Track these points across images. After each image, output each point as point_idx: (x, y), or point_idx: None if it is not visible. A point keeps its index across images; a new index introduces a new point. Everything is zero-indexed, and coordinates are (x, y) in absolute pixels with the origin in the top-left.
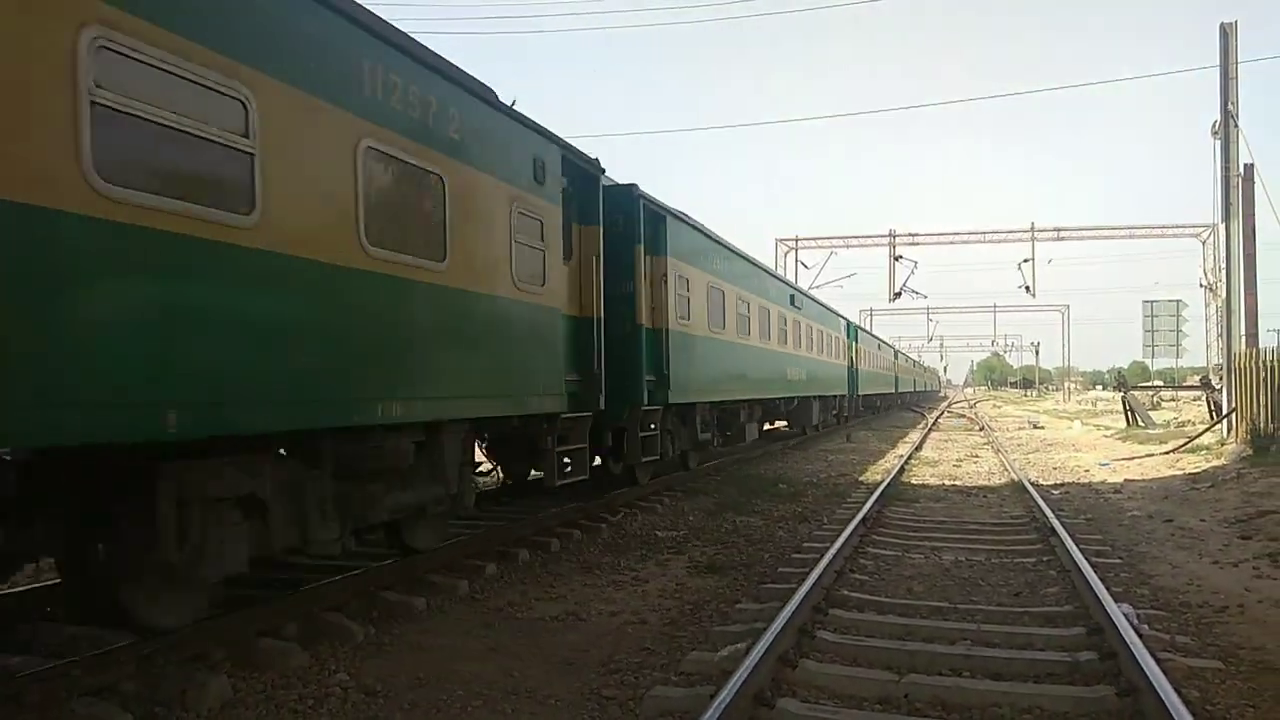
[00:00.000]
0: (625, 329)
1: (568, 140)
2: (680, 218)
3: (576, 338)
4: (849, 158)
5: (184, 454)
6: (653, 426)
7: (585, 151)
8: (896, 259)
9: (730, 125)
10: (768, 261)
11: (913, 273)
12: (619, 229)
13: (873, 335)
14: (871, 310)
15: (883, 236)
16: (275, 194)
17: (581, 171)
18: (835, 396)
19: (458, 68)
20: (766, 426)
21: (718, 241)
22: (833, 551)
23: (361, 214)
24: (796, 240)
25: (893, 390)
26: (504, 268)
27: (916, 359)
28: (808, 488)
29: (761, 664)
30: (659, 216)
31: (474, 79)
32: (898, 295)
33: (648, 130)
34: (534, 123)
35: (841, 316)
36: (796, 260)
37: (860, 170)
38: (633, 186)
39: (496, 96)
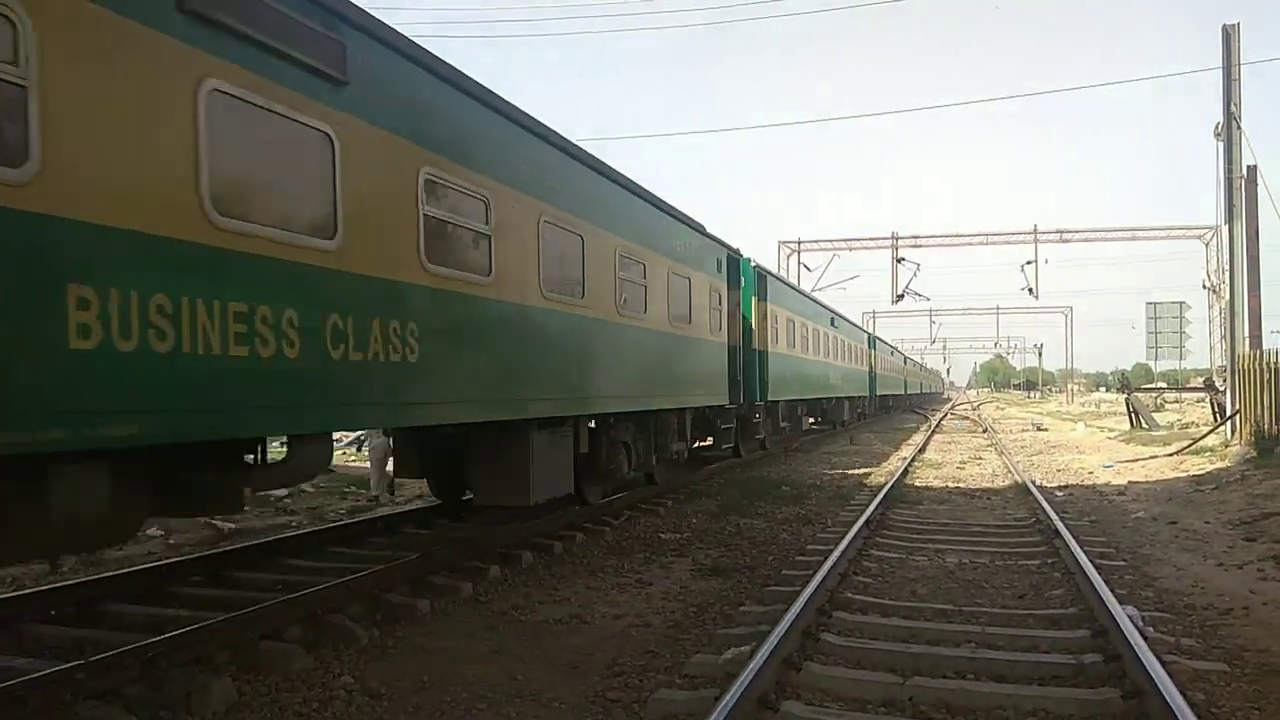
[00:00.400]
0: (748, 352)
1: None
2: (774, 275)
3: (731, 358)
4: (852, 159)
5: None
6: (757, 417)
7: (723, 239)
8: (899, 261)
9: (736, 128)
10: (768, 264)
11: (915, 275)
12: (743, 284)
13: (887, 343)
14: (874, 312)
15: (885, 239)
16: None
17: (730, 255)
18: (860, 397)
19: (694, 220)
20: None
21: (791, 286)
22: (836, 554)
23: (668, 301)
24: (799, 242)
25: (902, 391)
26: (708, 321)
27: (920, 361)
28: (811, 490)
29: (766, 667)
30: (763, 276)
31: (695, 220)
32: (900, 298)
33: (658, 134)
34: (715, 236)
35: (864, 330)
36: (799, 262)
37: (863, 171)
38: (749, 259)
39: (704, 227)
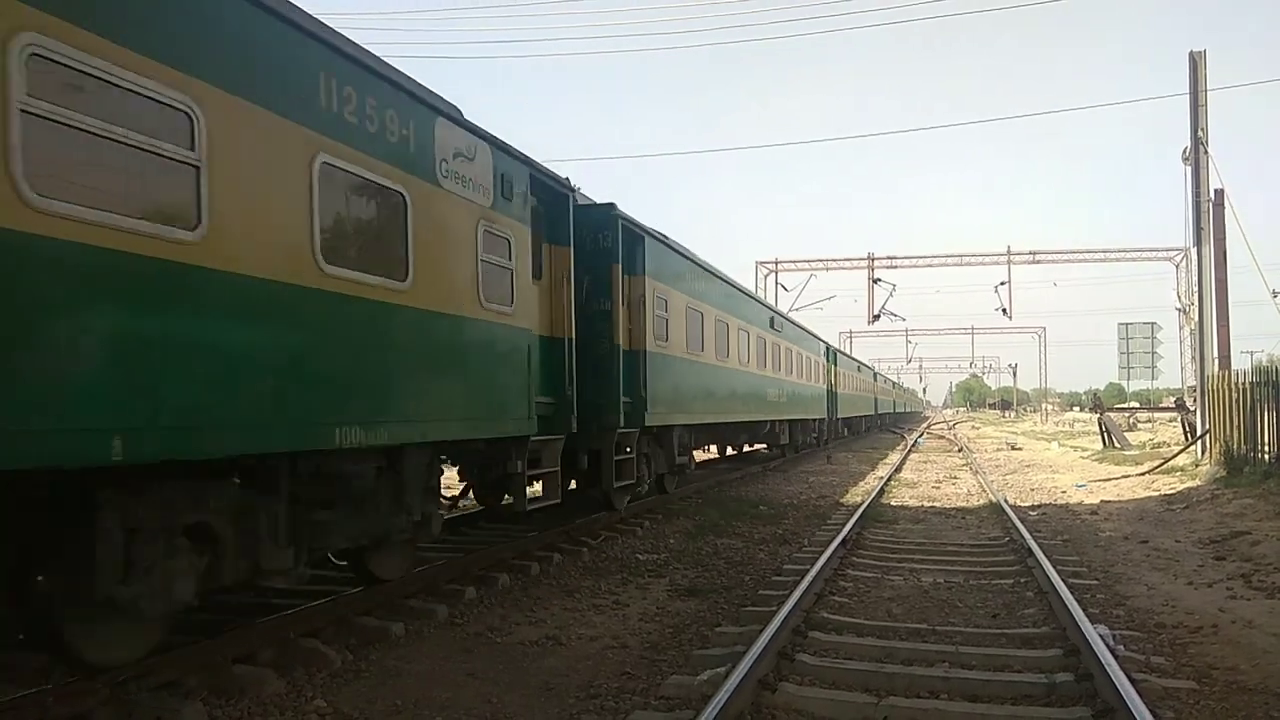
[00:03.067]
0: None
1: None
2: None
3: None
4: (830, 181)
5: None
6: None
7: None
8: (875, 282)
9: (725, 149)
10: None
11: (891, 295)
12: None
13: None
14: (851, 332)
15: (861, 259)
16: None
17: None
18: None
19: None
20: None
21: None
22: (812, 574)
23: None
24: (776, 263)
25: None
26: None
27: (896, 380)
28: (788, 509)
29: (741, 687)
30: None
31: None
32: (876, 318)
33: (638, 155)
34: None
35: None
36: (776, 283)
37: (840, 194)
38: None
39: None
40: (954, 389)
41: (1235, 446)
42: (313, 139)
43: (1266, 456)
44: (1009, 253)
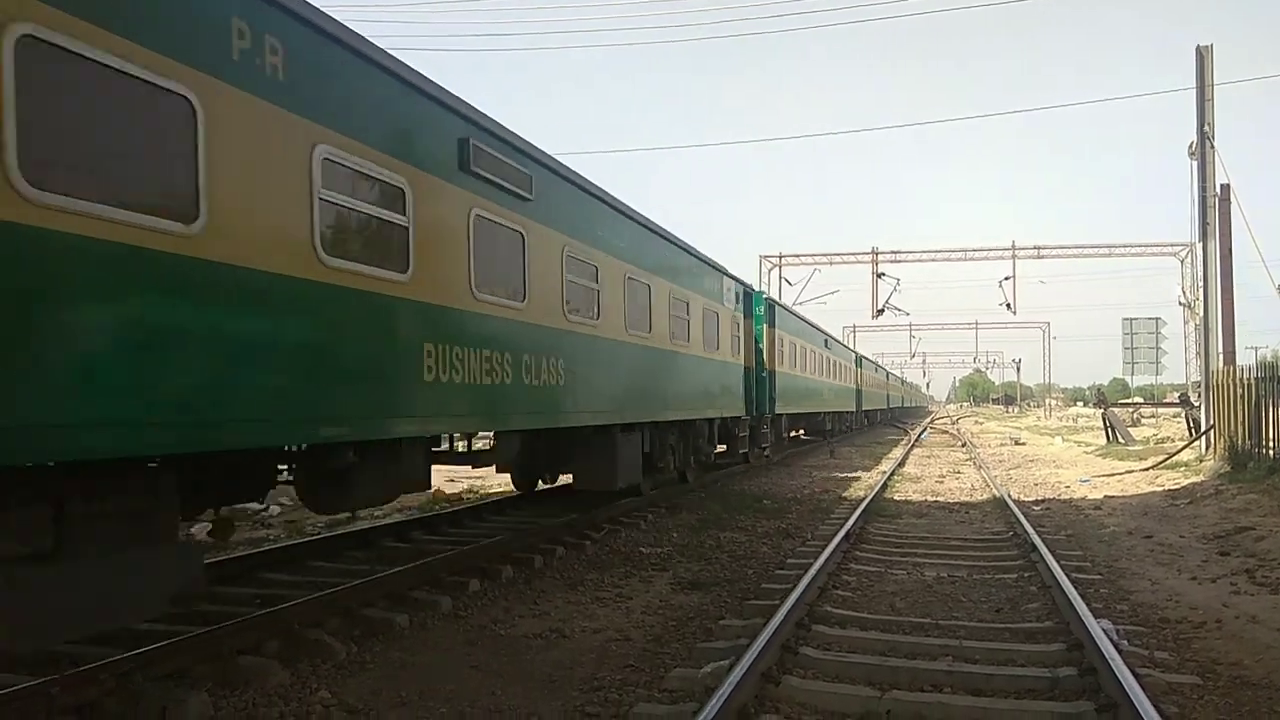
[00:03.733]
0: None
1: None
2: (784, 306)
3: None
4: (835, 175)
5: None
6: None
7: (737, 274)
8: (879, 276)
9: (727, 142)
10: (749, 278)
11: (895, 289)
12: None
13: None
14: (855, 327)
15: (865, 254)
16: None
17: (745, 290)
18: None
19: (720, 265)
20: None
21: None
22: (816, 568)
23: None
24: (780, 257)
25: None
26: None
27: (902, 377)
28: (791, 504)
29: (745, 681)
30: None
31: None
32: (880, 312)
33: (647, 147)
34: (735, 275)
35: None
36: (780, 276)
37: (844, 187)
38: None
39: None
40: (957, 384)
41: (1240, 442)
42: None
43: (1271, 452)
44: (1013, 247)
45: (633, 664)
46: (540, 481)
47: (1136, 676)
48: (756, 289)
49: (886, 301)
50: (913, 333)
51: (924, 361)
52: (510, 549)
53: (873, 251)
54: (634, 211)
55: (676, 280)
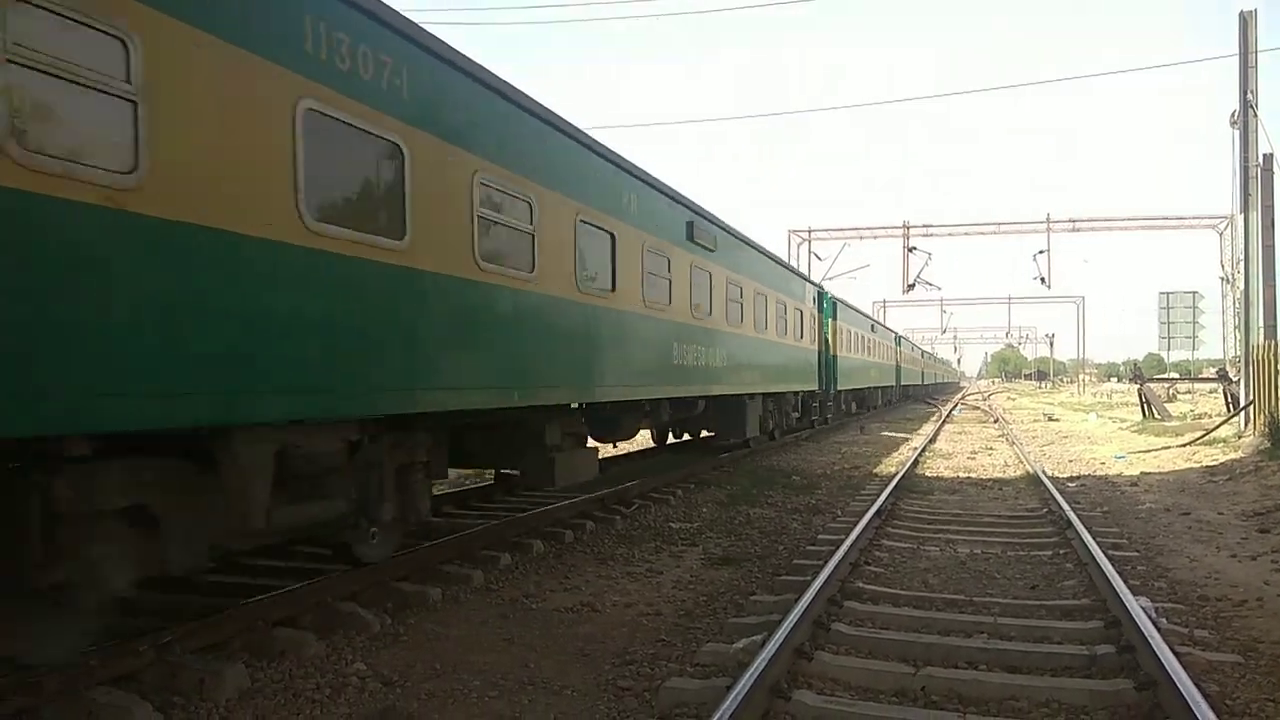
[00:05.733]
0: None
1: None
2: (842, 301)
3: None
4: (865, 147)
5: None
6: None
7: (813, 279)
8: (910, 250)
9: (761, 114)
10: (782, 253)
11: (927, 264)
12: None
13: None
14: (885, 301)
15: (896, 228)
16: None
17: (818, 291)
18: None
19: (801, 271)
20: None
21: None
22: (847, 543)
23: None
24: (810, 231)
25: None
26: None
27: (933, 353)
28: (821, 479)
29: (778, 656)
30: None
31: (801, 271)
32: (911, 287)
33: (685, 120)
34: (811, 279)
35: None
36: (810, 251)
37: (876, 160)
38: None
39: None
40: (989, 359)
41: None
42: (791, 301)
43: None
44: (1048, 220)
45: (664, 638)
46: (670, 436)
47: (1176, 655)
48: (824, 289)
49: (918, 276)
50: (944, 308)
51: (955, 336)
52: (541, 524)
53: (904, 225)
54: (765, 248)
55: (779, 289)
